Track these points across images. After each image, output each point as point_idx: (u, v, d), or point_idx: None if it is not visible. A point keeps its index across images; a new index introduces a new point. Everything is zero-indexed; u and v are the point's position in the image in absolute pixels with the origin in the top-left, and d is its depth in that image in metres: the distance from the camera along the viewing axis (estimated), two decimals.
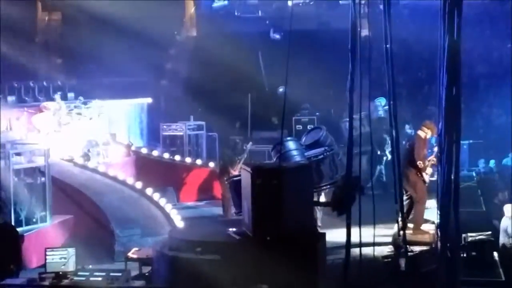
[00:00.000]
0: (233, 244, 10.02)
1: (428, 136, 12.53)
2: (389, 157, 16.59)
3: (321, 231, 11.07)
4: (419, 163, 12.28)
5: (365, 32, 10.02)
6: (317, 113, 20.97)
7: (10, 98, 17.81)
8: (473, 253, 11.56)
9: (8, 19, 20.48)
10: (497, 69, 22.00)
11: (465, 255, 11.39)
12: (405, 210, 11.77)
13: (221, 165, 15.84)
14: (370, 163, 11.97)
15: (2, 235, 9.07)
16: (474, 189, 16.28)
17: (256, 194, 9.67)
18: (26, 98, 18.77)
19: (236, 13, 25.68)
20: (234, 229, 10.40)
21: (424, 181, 12.47)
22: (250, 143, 16.70)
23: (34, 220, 13.72)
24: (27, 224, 13.54)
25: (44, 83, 19.83)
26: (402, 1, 24.06)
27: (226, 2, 25.95)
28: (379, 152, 16.94)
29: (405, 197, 12.14)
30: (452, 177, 8.30)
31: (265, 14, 25.49)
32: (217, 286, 9.52)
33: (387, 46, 9.39)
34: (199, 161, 18.91)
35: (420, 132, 12.52)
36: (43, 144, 14.86)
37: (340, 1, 23.55)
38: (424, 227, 12.44)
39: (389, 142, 15.65)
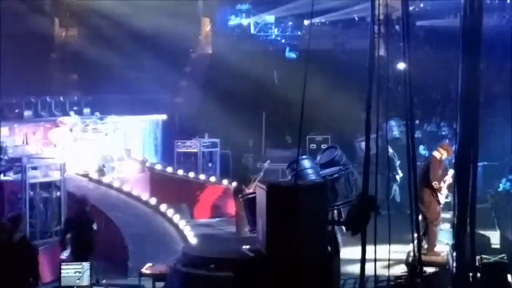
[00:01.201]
0: (247, 261, 10.02)
1: (444, 157, 12.57)
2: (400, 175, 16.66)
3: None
4: (435, 184, 12.30)
5: (381, 52, 10.05)
6: (331, 133, 21.00)
7: (27, 113, 17.94)
8: (487, 275, 11.50)
9: (26, 35, 20.72)
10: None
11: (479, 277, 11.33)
12: (421, 231, 11.80)
13: (236, 183, 15.88)
14: (387, 183, 11.92)
15: (21, 250, 9.11)
16: (488, 210, 16.24)
17: (271, 212, 9.68)
18: (43, 113, 18.92)
19: (252, 31, 25.83)
20: (248, 247, 10.40)
21: (438, 202, 12.48)
22: (268, 161, 16.74)
23: (49, 234, 13.77)
24: (42, 238, 13.60)
25: (61, 98, 20.00)
26: (418, 22, 24.12)
27: (242, 20, 26.14)
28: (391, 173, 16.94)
29: (420, 218, 12.16)
30: (469, 199, 8.30)
31: (281, 33, 25.63)
32: None
33: (405, 66, 9.41)
34: (212, 178, 18.96)
35: (435, 153, 12.55)
36: (59, 158, 14.96)
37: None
38: (438, 248, 12.42)
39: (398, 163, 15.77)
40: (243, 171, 16.01)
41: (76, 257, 11.81)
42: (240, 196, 14.24)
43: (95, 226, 12.24)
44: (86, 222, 12.15)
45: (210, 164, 20.19)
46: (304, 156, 12.87)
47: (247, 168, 16.23)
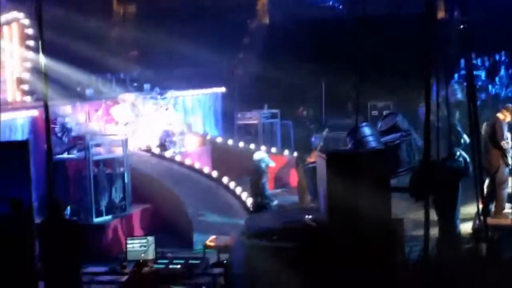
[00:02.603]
0: (309, 231, 9.98)
1: (507, 119, 12.40)
2: (468, 141, 16.33)
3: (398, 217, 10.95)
4: (503, 144, 12.18)
5: (441, 15, 9.83)
6: (393, 99, 20.71)
7: (88, 91, 18.16)
8: None
9: (85, 13, 20.90)
10: None
11: None
12: (487, 196, 11.65)
13: (297, 153, 15.87)
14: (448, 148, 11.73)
15: (64, 233, 9.17)
16: None
17: (331, 181, 9.60)
18: (104, 90, 19.12)
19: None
20: (310, 217, 10.37)
21: (507, 164, 12.35)
22: (326, 129, 16.62)
23: (114, 210, 13.98)
24: (107, 214, 13.82)
25: (121, 75, 20.19)
26: None
27: None
28: (454, 138, 16.62)
29: (487, 183, 12.02)
30: None
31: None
32: (294, 274, 9.52)
33: (463, 26, 9.17)
34: (274, 149, 18.92)
35: (499, 115, 12.45)
36: (121, 135, 15.13)
37: None
38: (507, 211, 12.23)
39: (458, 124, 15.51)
40: (304, 141, 15.96)
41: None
42: (301, 165, 14.22)
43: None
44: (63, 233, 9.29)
45: (270, 136, 20.14)
46: (364, 124, 12.74)
47: (308, 137, 16.15)
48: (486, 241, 10.14)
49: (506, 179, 12.65)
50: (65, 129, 14.49)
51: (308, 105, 21.83)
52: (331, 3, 25.79)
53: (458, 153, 11.09)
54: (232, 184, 15.98)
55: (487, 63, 21.78)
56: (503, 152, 12.38)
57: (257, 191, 15.34)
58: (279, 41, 23.03)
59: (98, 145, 14.36)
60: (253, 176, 15.63)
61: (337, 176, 9.54)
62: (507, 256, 10.15)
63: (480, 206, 10.08)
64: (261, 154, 15.97)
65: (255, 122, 20.11)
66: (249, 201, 15.26)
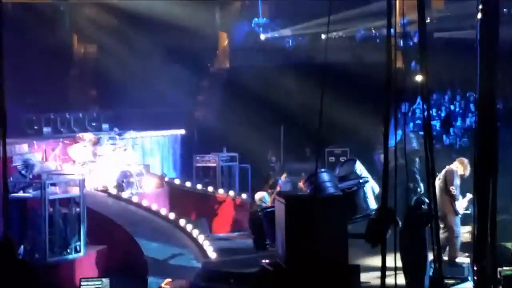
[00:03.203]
0: (267, 275, 9.99)
1: (459, 172, 12.81)
2: (423, 189, 16.56)
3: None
4: (452, 189, 12.54)
5: (399, 65, 10.04)
6: (350, 145, 20.93)
7: (46, 129, 18.04)
8: None
9: (45, 50, 20.86)
10: None
11: None
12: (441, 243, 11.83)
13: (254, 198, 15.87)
14: (406, 196, 11.93)
15: (16, 273, 8.96)
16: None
17: (289, 225, 9.66)
18: (62, 129, 19.00)
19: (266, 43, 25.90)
20: (267, 261, 10.38)
21: (456, 213, 12.66)
22: (284, 175, 16.69)
23: (68, 250, 13.80)
24: (62, 254, 13.63)
25: (80, 115, 20.12)
26: (436, 34, 24.00)
27: (259, 35, 26.21)
28: (412, 185, 16.85)
29: (442, 231, 12.27)
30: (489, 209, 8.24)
31: (299, 45, 25.68)
32: None
33: (422, 78, 9.36)
34: (231, 193, 18.95)
35: (452, 165, 12.83)
36: (78, 174, 15.02)
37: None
38: (459, 260, 12.37)
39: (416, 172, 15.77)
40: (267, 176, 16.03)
41: None
42: (259, 210, 14.22)
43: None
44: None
45: (229, 179, 20.18)
46: (322, 169, 12.87)
47: (265, 182, 16.22)
48: None
49: (457, 227, 12.92)
50: (28, 166, 14.30)
51: (268, 150, 21.95)
52: (291, 44, 26.11)
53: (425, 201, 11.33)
54: (189, 227, 15.92)
55: (442, 114, 22.20)
56: (453, 199, 12.75)
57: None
58: (239, 85, 23.20)
59: (54, 184, 14.21)
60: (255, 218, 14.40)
61: (296, 220, 9.61)
62: None
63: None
64: (261, 194, 15.53)
65: (214, 164, 20.14)
66: (206, 244, 15.19)
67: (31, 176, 14.24)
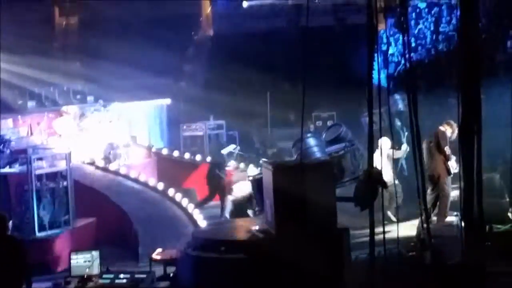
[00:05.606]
0: (257, 242, 10.00)
1: (448, 133, 12.93)
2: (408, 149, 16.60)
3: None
4: (446, 149, 12.65)
5: (381, 27, 9.98)
6: (336, 110, 20.91)
7: (30, 103, 17.90)
8: (498, 245, 11.48)
9: (26, 25, 20.63)
10: None
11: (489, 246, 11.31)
12: (430, 203, 11.94)
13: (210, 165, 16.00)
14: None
15: (5, 248, 8.92)
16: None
17: (277, 192, 9.65)
18: (46, 103, 18.87)
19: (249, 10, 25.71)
20: (257, 228, 10.39)
21: (449, 173, 12.78)
22: (233, 145, 16.75)
23: (57, 224, 13.77)
24: (51, 228, 13.61)
25: (64, 88, 19.96)
26: None
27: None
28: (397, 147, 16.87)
29: (429, 191, 12.36)
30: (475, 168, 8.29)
31: (282, 10, 25.51)
32: (242, 285, 9.51)
33: (405, 38, 9.32)
34: None
35: (441, 128, 12.92)
36: (64, 148, 14.93)
37: None
38: (449, 219, 12.47)
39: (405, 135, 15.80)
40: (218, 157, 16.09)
41: None
42: (248, 176, 14.19)
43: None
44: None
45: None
46: (309, 134, 12.83)
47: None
48: (430, 248, 10.29)
49: (448, 186, 13.07)
50: (4, 141, 14.20)
51: (254, 116, 21.92)
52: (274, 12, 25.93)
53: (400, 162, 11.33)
54: (178, 196, 15.90)
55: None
56: (446, 159, 12.92)
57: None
58: (223, 53, 23.07)
59: (40, 159, 14.12)
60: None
61: (283, 187, 9.60)
62: (450, 261, 10.32)
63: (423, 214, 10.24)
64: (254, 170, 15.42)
65: (201, 133, 20.09)
66: (196, 213, 15.20)
67: (8, 152, 14.14)
